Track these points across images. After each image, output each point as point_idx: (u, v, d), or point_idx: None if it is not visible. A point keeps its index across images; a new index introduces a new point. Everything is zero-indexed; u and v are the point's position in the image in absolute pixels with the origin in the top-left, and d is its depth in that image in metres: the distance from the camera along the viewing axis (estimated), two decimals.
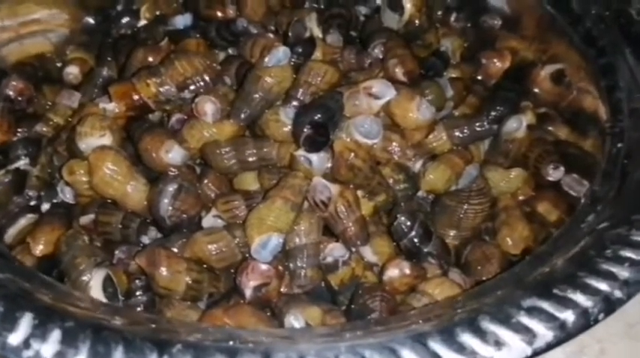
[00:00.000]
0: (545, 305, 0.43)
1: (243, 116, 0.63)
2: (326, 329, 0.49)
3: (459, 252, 0.63)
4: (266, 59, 0.64)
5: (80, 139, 0.61)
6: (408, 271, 0.57)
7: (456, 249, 0.64)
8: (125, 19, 0.81)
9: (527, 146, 0.68)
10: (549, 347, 0.42)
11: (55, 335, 0.40)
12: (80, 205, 0.64)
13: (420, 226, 0.59)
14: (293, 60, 0.66)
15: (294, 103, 0.63)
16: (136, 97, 0.64)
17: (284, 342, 0.42)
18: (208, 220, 0.61)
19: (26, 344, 0.40)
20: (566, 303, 0.44)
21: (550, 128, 0.72)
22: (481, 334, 0.42)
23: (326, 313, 0.55)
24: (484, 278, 0.59)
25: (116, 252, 0.60)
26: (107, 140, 0.61)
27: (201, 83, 0.64)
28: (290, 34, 0.71)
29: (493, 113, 0.67)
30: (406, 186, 0.62)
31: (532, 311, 0.43)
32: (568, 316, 0.43)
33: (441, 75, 0.71)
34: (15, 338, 0.40)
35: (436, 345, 0.41)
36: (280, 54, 0.64)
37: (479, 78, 0.75)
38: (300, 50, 0.68)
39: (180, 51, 0.67)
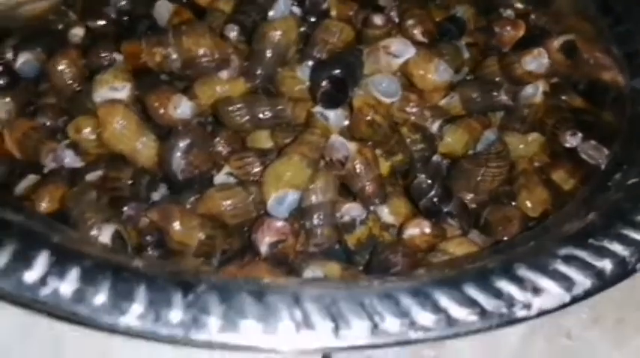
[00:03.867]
0: (582, 254, 0.42)
1: (257, 76, 0.62)
2: (352, 279, 0.47)
3: (477, 214, 0.62)
4: (270, 14, 0.63)
5: (97, 89, 0.59)
6: (428, 230, 0.56)
7: (474, 211, 0.62)
8: None
9: (543, 112, 0.67)
10: (587, 294, 0.41)
11: (74, 273, 0.38)
12: (87, 163, 0.62)
13: (439, 186, 0.57)
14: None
15: (311, 61, 0.61)
16: (143, 58, 0.61)
17: (312, 286, 0.40)
18: (220, 178, 0.59)
19: (43, 281, 0.38)
20: (603, 252, 0.43)
21: (564, 97, 0.71)
22: (518, 280, 0.40)
23: (345, 270, 0.53)
24: (505, 239, 0.58)
25: (125, 208, 0.58)
26: (125, 93, 0.59)
27: (206, 64, 0.61)
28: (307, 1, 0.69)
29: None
30: (423, 147, 0.61)
31: (569, 260, 0.42)
32: (606, 264, 0.42)
33: (457, 40, 0.70)
34: (31, 276, 0.38)
35: (472, 290, 0.40)
36: (281, 6, 0.63)
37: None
38: (312, 19, 0.67)
39: (190, 26, 0.62)
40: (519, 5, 0.79)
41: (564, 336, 0.56)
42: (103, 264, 0.39)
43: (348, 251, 0.58)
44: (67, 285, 0.37)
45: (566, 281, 0.40)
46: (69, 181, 0.61)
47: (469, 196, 0.63)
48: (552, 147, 0.67)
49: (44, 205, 0.59)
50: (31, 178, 0.63)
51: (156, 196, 0.59)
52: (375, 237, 0.58)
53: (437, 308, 0.39)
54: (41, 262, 0.38)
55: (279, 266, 0.54)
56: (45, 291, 0.37)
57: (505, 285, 0.40)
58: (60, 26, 0.75)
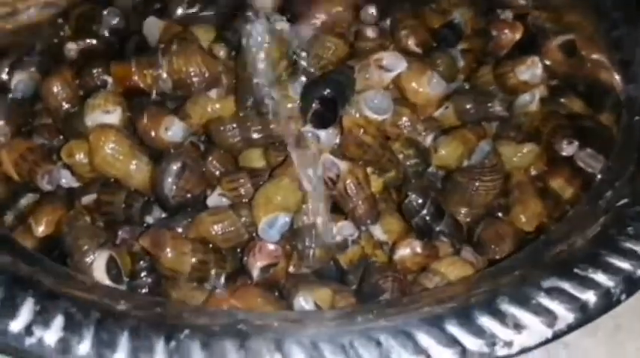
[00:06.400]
0: (566, 286, 0.42)
1: (249, 104, 0.61)
2: (337, 312, 0.47)
3: (471, 229, 0.61)
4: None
5: (88, 113, 0.59)
6: (419, 250, 0.56)
7: (467, 226, 0.62)
8: None
9: (540, 119, 0.66)
10: (570, 329, 0.41)
11: (58, 321, 0.39)
12: (82, 185, 0.62)
13: (431, 204, 0.57)
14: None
15: (303, 77, 0.61)
16: (133, 81, 0.61)
17: (295, 326, 0.41)
18: (213, 199, 0.59)
19: (28, 331, 0.38)
20: (588, 283, 0.42)
21: (563, 100, 0.70)
22: (500, 316, 0.40)
23: (336, 293, 0.53)
24: (497, 258, 0.58)
25: (119, 232, 0.58)
26: (116, 117, 0.59)
27: (197, 84, 0.60)
28: None
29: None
30: (417, 161, 0.61)
31: (552, 292, 0.41)
32: (590, 297, 0.42)
33: (453, 47, 0.69)
34: (16, 325, 0.38)
35: (454, 328, 0.39)
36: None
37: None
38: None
39: (180, 45, 0.62)
40: (522, 1, 0.78)
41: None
42: (87, 310, 0.40)
43: (341, 270, 0.58)
44: (52, 334, 0.38)
45: (548, 316, 0.40)
46: (66, 203, 0.62)
47: (463, 210, 0.62)
48: (549, 155, 0.66)
49: (41, 229, 0.60)
50: (29, 197, 0.64)
51: (150, 219, 0.60)
52: (368, 257, 0.58)
53: (419, 349, 0.39)
54: (26, 310, 0.39)
55: (270, 290, 0.55)
56: (30, 341, 0.38)
57: (487, 321, 0.40)
58: (55, 40, 0.76)
